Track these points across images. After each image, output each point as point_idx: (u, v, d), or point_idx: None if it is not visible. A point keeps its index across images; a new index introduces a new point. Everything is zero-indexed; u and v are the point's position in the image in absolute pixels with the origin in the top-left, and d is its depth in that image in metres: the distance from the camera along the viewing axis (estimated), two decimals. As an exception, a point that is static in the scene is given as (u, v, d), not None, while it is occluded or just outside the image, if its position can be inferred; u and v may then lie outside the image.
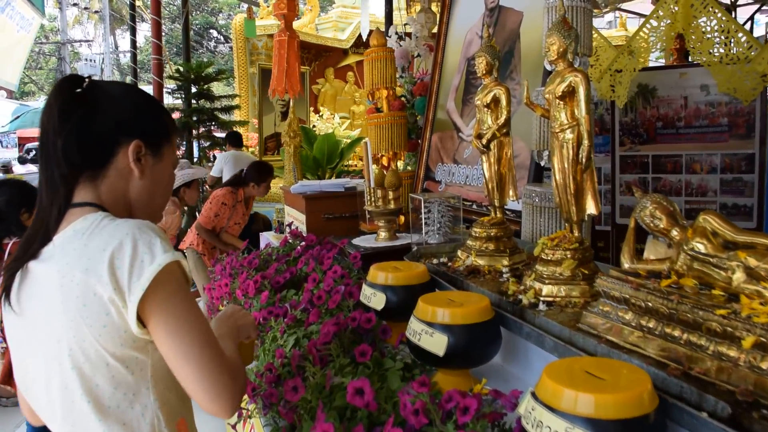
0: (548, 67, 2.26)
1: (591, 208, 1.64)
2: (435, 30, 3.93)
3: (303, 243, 2.99)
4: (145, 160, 1.30)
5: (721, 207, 4.03)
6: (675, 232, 1.30)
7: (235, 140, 7.95)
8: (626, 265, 1.36)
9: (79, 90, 1.26)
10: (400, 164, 3.82)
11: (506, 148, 2.02)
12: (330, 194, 3.34)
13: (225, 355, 1.18)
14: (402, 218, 3.11)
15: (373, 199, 2.87)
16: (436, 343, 1.44)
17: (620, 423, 0.96)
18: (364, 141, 2.87)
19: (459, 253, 2.11)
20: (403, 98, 3.87)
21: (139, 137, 1.29)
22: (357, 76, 11.40)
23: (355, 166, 11.17)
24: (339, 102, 11.24)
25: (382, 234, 2.85)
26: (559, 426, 0.98)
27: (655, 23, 3.73)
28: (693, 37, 3.72)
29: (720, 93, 3.84)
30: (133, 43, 7.94)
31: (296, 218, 3.47)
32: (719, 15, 3.65)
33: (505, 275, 1.91)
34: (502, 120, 1.98)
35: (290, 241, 3.05)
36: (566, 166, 1.65)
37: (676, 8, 3.68)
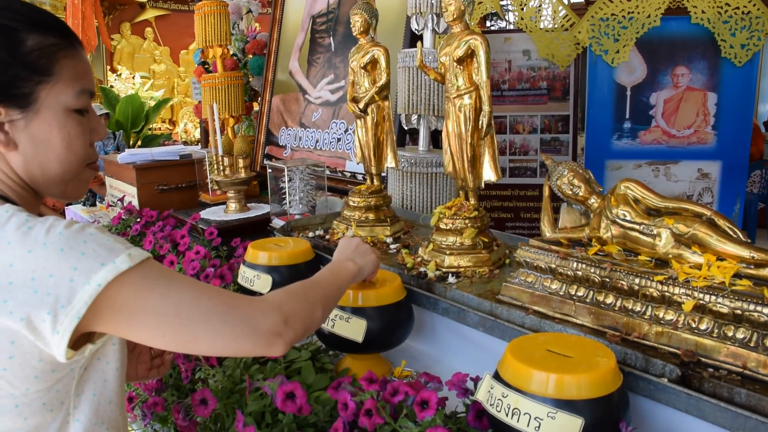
0: (415, 29, 2.18)
1: (490, 174, 1.60)
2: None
3: (140, 219, 2.67)
4: (11, 125, 0.89)
5: (540, 165, 4.31)
6: (593, 200, 1.30)
7: None
8: (548, 234, 1.34)
9: None
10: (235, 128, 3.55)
11: (385, 112, 1.92)
12: (163, 163, 3.00)
13: (227, 293, 0.92)
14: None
15: (220, 167, 2.62)
16: (354, 329, 1.32)
17: (594, 401, 0.94)
18: (210, 105, 2.60)
19: (335, 224, 1.99)
20: (234, 57, 3.59)
21: None
22: (156, 32, 10.52)
23: (159, 129, 10.41)
24: (137, 60, 10.30)
25: (233, 205, 2.62)
26: (539, 411, 0.92)
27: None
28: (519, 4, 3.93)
29: (540, 58, 4.08)
30: None
31: (123, 191, 3.09)
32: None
33: (392, 246, 1.83)
34: (381, 82, 1.86)
35: (124, 218, 2.71)
36: (463, 132, 1.59)
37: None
